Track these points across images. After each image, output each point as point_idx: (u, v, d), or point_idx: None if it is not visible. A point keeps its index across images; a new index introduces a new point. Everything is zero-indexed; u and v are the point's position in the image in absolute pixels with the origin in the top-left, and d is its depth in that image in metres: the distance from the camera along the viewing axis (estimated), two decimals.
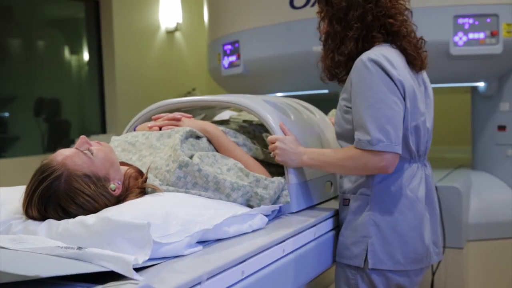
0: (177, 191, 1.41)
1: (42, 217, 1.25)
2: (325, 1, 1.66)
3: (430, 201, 1.66)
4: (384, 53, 1.54)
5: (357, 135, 1.51)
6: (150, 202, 1.28)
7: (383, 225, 1.57)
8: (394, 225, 1.57)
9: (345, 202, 1.67)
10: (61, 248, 1.04)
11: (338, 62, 1.65)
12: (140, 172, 1.47)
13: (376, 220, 1.58)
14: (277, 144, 1.63)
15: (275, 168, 1.75)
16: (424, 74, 1.72)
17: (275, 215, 1.57)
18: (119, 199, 1.35)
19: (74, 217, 1.20)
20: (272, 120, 1.71)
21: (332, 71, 1.70)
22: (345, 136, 1.63)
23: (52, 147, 5.03)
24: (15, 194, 1.34)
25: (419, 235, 1.59)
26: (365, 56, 1.54)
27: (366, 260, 1.57)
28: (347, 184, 1.68)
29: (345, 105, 1.61)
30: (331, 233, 1.66)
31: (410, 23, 1.66)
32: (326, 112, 2.32)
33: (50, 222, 1.21)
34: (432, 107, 1.71)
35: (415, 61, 1.64)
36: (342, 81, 1.71)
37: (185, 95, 5.82)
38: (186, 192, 1.42)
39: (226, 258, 1.14)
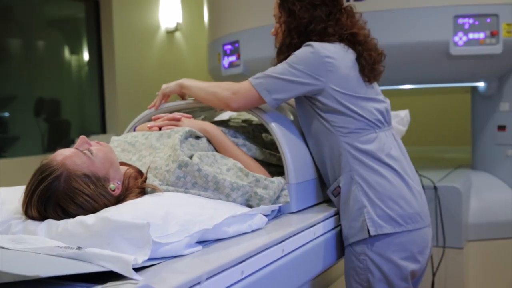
0: (177, 191, 1.41)
1: (41, 217, 1.25)
2: (288, 12, 1.75)
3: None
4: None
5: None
6: (150, 202, 1.28)
7: (370, 191, 1.64)
8: (381, 188, 1.64)
9: (336, 191, 1.72)
10: (61, 248, 1.04)
11: None
12: (139, 172, 1.47)
13: (364, 189, 1.65)
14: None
15: (274, 168, 1.75)
16: (376, 87, 1.79)
17: (275, 215, 1.57)
18: (118, 199, 1.35)
19: (73, 217, 1.20)
20: (272, 121, 1.71)
21: None
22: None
23: (52, 147, 5.03)
24: (15, 194, 1.35)
25: (405, 193, 1.66)
26: None
27: (368, 231, 1.62)
28: (331, 182, 1.76)
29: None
30: (331, 233, 1.66)
31: (372, 38, 1.77)
32: None
33: (50, 222, 1.22)
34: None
35: (365, 71, 1.72)
36: None
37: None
38: (185, 192, 1.42)
39: (225, 258, 1.14)
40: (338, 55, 1.67)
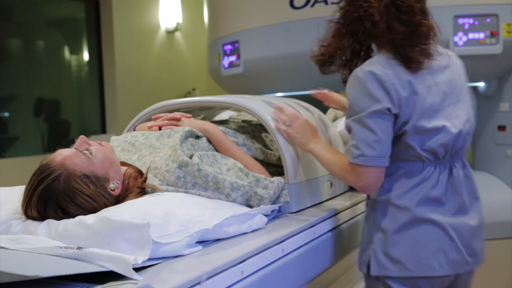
0: (177, 191, 1.41)
1: (41, 217, 1.25)
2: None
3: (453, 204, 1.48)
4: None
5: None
6: (150, 202, 1.28)
7: (386, 227, 1.47)
8: (398, 228, 1.45)
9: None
10: (61, 248, 1.04)
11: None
12: (139, 172, 1.47)
13: (380, 223, 1.48)
14: (287, 130, 1.63)
15: (274, 168, 1.75)
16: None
17: (275, 215, 1.57)
18: (118, 199, 1.35)
19: (73, 217, 1.20)
20: (271, 120, 1.71)
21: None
22: None
23: (52, 147, 5.03)
24: (15, 194, 1.35)
25: (429, 239, 1.44)
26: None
27: (369, 267, 1.49)
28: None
29: None
30: (331, 233, 1.66)
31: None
32: (324, 112, 2.32)
33: (50, 222, 1.22)
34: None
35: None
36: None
37: (185, 95, 5.82)
38: (185, 192, 1.42)
39: (225, 258, 1.14)
40: None
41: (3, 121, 4.97)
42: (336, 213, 1.72)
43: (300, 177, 1.66)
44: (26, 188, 1.28)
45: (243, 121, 1.99)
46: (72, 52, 5.55)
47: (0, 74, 4.83)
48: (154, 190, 1.39)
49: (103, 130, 5.52)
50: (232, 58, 3.32)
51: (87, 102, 5.64)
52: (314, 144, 1.61)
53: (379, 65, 1.42)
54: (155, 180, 1.43)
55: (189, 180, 1.43)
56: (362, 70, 1.42)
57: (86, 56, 5.59)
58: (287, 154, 1.64)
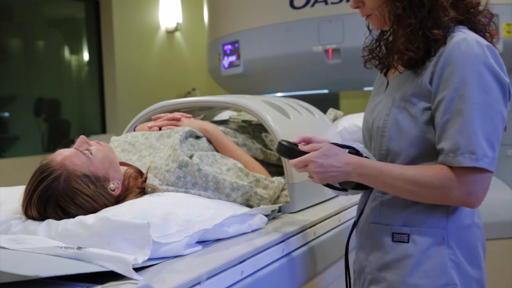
0: (177, 191, 1.41)
1: (41, 217, 1.25)
2: None
3: None
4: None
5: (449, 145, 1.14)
6: (150, 202, 1.28)
7: (466, 267, 1.20)
8: (479, 265, 1.22)
9: (401, 238, 1.24)
10: (61, 248, 1.04)
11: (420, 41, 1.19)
12: (139, 172, 1.47)
13: (457, 261, 1.19)
14: (311, 167, 1.22)
15: (274, 168, 1.75)
16: None
17: (275, 215, 1.57)
18: (118, 199, 1.35)
19: (73, 217, 1.20)
20: (271, 120, 1.71)
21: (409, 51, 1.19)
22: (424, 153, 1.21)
23: (52, 147, 5.04)
24: (15, 194, 1.35)
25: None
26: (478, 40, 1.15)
27: None
28: (397, 210, 1.25)
29: (424, 108, 1.20)
30: (332, 233, 1.66)
31: None
32: (324, 112, 2.32)
33: (50, 222, 1.22)
34: None
35: None
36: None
37: (185, 95, 5.82)
38: (185, 192, 1.42)
39: (225, 258, 1.14)
40: None
41: (3, 121, 4.98)
42: (336, 213, 1.72)
43: (300, 177, 1.66)
44: (26, 188, 1.28)
45: (243, 121, 1.99)
46: (72, 52, 5.56)
47: (0, 74, 4.83)
48: (154, 190, 1.39)
49: (103, 130, 5.52)
50: (232, 58, 3.32)
51: (87, 102, 5.64)
52: (356, 167, 1.21)
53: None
54: (155, 180, 1.43)
55: (189, 180, 1.43)
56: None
57: (86, 56, 5.59)
58: None
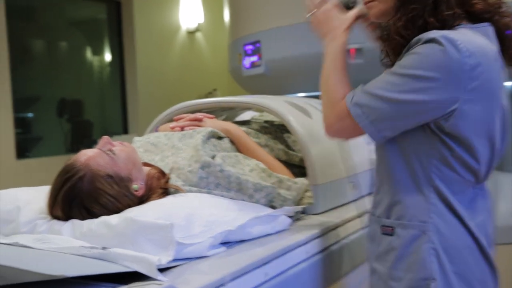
0: (200, 192, 1.41)
1: (66, 217, 1.26)
2: None
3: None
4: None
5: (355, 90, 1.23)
6: (173, 203, 1.29)
7: (446, 262, 1.18)
8: (464, 261, 1.19)
9: (386, 231, 1.25)
10: (86, 248, 1.05)
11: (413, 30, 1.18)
12: (162, 173, 1.48)
13: (438, 256, 1.18)
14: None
15: (297, 169, 1.75)
16: None
17: (299, 217, 1.56)
18: (142, 200, 1.35)
19: (97, 217, 1.21)
20: (293, 120, 1.70)
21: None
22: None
23: (74, 147, 5.10)
24: (40, 194, 1.36)
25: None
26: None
27: None
28: (385, 203, 1.27)
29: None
30: (356, 235, 1.65)
31: None
32: None
33: (74, 222, 1.23)
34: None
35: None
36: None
37: (206, 96, 5.84)
38: (208, 193, 1.42)
39: (249, 260, 1.14)
40: None
41: (27, 122, 5.04)
42: (360, 215, 1.71)
43: (323, 178, 1.65)
44: (51, 188, 1.29)
45: (265, 121, 1.99)
46: (94, 53, 5.61)
47: (24, 75, 4.89)
48: (177, 190, 1.39)
49: (124, 130, 5.56)
50: (254, 58, 3.31)
51: (109, 102, 5.69)
52: (329, 41, 1.32)
53: None
54: (178, 180, 1.43)
55: (212, 181, 1.43)
56: None
57: (108, 56, 5.64)
58: (310, 155, 1.64)
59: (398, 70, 1.15)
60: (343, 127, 1.24)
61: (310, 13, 1.40)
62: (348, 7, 1.35)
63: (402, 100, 1.13)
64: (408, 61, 1.14)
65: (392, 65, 1.22)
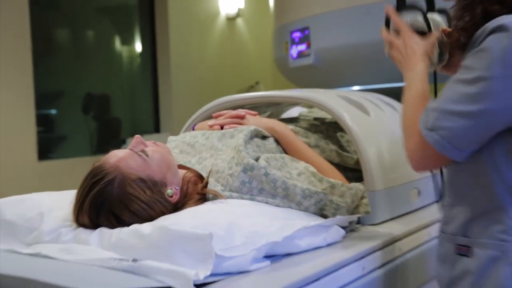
0: (242, 198, 1.42)
1: (93, 225, 1.29)
2: None
3: None
4: None
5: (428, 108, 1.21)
6: (212, 210, 1.30)
7: None
8: None
9: (462, 250, 1.21)
10: (115, 260, 1.07)
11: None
12: (200, 176, 1.49)
13: None
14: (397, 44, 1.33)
15: (352, 173, 1.73)
16: None
17: (353, 227, 1.55)
18: (176, 206, 1.37)
19: (128, 225, 1.23)
20: (348, 117, 1.69)
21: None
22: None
23: (101, 148, 5.19)
24: (64, 200, 1.39)
25: None
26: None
27: None
28: (461, 219, 1.23)
29: None
30: (421, 249, 1.63)
31: None
32: None
33: (103, 231, 1.25)
34: None
35: None
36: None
37: (248, 90, 5.86)
38: (251, 199, 1.42)
39: (297, 276, 1.14)
40: None
41: (49, 119, 5.16)
42: (426, 226, 1.69)
43: (382, 183, 1.64)
44: (78, 193, 1.32)
45: (315, 118, 1.98)
46: (124, 42, 5.70)
47: (47, 68, 5.01)
48: (216, 196, 1.40)
49: (156, 129, 5.64)
50: (302, 47, 3.31)
51: (140, 97, 5.78)
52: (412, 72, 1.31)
53: None
54: (217, 185, 1.44)
55: (255, 186, 1.43)
56: None
57: (138, 46, 5.73)
58: (367, 157, 1.63)
59: (465, 76, 1.13)
60: (425, 156, 1.20)
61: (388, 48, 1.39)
62: (422, 32, 1.34)
63: (478, 111, 1.11)
64: (474, 61, 1.12)
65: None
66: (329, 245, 1.37)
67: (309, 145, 1.72)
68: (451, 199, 1.27)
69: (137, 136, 1.38)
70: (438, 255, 1.30)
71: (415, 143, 1.20)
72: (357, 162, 1.72)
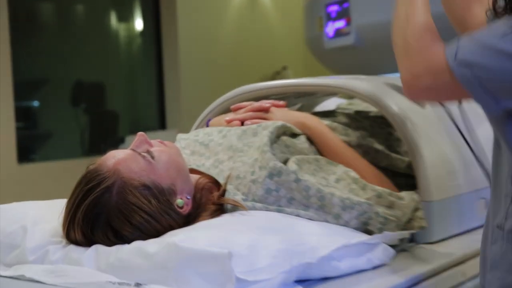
0: (267, 209, 1.42)
1: (88, 241, 1.30)
2: None
3: None
4: None
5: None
6: (231, 224, 1.30)
7: None
8: None
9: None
10: (114, 284, 1.09)
11: None
12: (216, 183, 1.50)
13: None
14: None
15: (403, 179, 1.73)
16: None
17: (405, 246, 1.55)
18: (188, 219, 1.38)
19: (129, 242, 1.25)
20: (398, 111, 1.69)
21: None
22: None
23: (95, 147, 5.21)
24: (52, 210, 1.41)
25: None
26: None
27: None
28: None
29: None
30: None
31: None
32: None
33: (99, 248, 1.26)
34: None
35: None
36: None
37: (273, 77, 5.86)
38: (279, 211, 1.43)
39: None
40: None
41: (31, 113, 5.19)
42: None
43: (442, 193, 1.63)
44: (68, 202, 1.33)
45: (357, 112, 1.98)
46: (121, 19, 5.72)
47: (28, 50, 5.04)
48: (235, 207, 1.41)
49: (161, 125, 5.65)
50: (340, 23, 3.31)
51: (141, 86, 5.79)
52: None
53: None
54: (237, 193, 1.45)
55: (284, 195, 1.44)
56: None
57: (139, 24, 5.74)
58: (422, 159, 1.62)
59: None
60: (436, 86, 1.21)
61: None
62: None
63: None
64: None
65: None
66: (375, 267, 1.37)
67: (350, 145, 1.72)
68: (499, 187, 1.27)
69: (140, 133, 1.39)
70: (492, 258, 1.29)
71: (430, 67, 1.21)
72: (409, 166, 1.72)
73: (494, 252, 1.27)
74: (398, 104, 1.71)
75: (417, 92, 1.27)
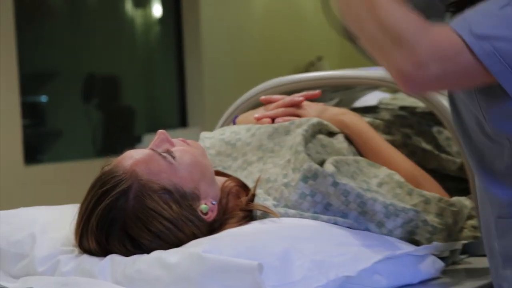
0: (301, 216, 1.42)
1: (102, 251, 1.31)
2: None
3: None
4: None
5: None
6: (261, 233, 1.30)
7: None
8: None
9: None
10: None
11: None
12: (244, 187, 1.50)
13: None
14: None
15: (454, 183, 1.72)
16: None
17: (456, 259, 1.55)
18: (213, 227, 1.38)
19: (148, 251, 1.26)
20: (448, 104, 1.68)
21: None
22: None
23: (108, 147, 5.22)
24: (63, 217, 1.42)
25: None
26: None
27: None
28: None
29: None
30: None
31: None
32: None
33: (114, 258, 1.27)
34: None
35: None
36: None
37: (307, 69, 5.85)
38: (314, 218, 1.42)
39: None
40: None
41: (39, 109, 5.22)
42: None
43: None
44: (81, 207, 1.34)
45: (401, 108, 1.97)
46: (137, 4, 5.74)
47: (35, 41, 5.06)
48: (266, 214, 1.41)
49: (182, 122, 5.65)
50: None
51: (159, 80, 5.80)
52: None
53: None
54: (267, 198, 1.45)
55: (320, 200, 1.43)
56: None
57: (157, 10, 5.76)
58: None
59: None
60: (450, 72, 1.14)
61: None
62: None
63: None
64: None
65: None
66: (422, 282, 1.37)
67: (394, 145, 1.71)
68: None
69: (161, 131, 1.40)
70: (496, 254, 1.30)
71: (435, 52, 1.13)
72: (461, 168, 1.71)
73: (506, 246, 1.26)
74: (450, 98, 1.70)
75: (423, 83, 1.18)
